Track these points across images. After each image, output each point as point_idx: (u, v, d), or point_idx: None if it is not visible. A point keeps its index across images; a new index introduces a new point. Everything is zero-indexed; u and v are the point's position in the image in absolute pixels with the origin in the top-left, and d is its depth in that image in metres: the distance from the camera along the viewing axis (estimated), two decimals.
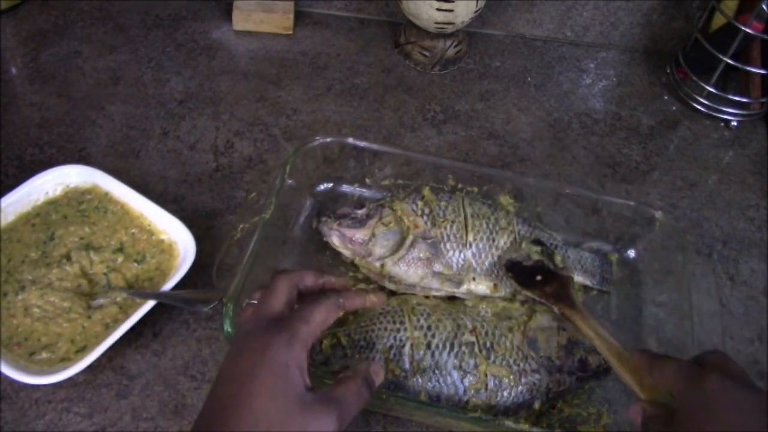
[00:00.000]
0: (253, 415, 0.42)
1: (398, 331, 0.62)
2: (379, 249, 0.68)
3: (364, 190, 0.77)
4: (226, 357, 0.47)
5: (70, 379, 0.57)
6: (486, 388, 0.60)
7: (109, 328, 0.61)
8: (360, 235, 0.69)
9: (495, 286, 0.69)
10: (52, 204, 0.69)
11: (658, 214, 0.72)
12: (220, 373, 0.46)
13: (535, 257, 0.69)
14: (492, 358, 0.61)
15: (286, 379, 0.43)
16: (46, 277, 0.63)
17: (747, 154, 0.91)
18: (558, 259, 0.70)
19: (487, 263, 0.69)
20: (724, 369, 0.49)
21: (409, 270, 0.68)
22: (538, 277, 0.67)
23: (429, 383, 0.60)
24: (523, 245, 0.70)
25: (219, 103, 0.87)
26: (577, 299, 0.65)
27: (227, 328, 0.57)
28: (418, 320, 0.63)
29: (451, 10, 0.87)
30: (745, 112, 0.93)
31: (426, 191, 0.72)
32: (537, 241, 0.70)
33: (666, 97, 0.96)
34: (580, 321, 0.63)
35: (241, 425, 0.42)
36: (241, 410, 0.42)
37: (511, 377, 0.61)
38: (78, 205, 0.69)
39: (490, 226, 0.70)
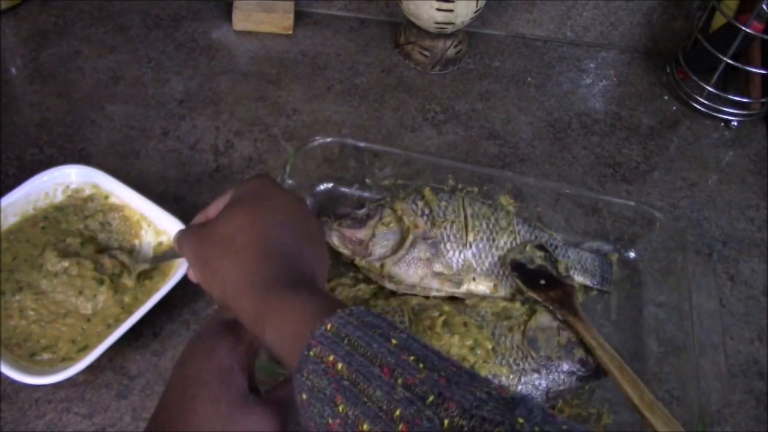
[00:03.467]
0: (196, 420, 0.43)
1: None
2: (379, 249, 0.68)
3: (364, 190, 0.77)
4: (177, 360, 0.48)
5: (70, 379, 0.57)
6: None
7: (110, 327, 0.61)
8: (360, 235, 0.69)
9: (495, 286, 0.69)
10: (60, 211, 0.69)
11: (658, 214, 0.72)
12: (171, 376, 0.47)
13: (539, 262, 0.69)
14: (492, 357, 0.62)
15: (228, 382, 0.44)
16: (38, 282, 0.63)
17: (747, 154, 0.91)
18: (561, 266, 0.70)
19: (487, 263, 0.69)
20: None
21: (409, 270, 0.68)
22: (542, 281, 0.67)
23: None
24: (528, 248, 0.70)
25: (219, 103, 0.87)
26: (579, 308, 0.65)
27: None
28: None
29: (451, 10, 0.87)
30: (745, 112, 0.93)
31: (426, 191, 0.72)
32: (541, 247, 0.70)
33: (666, 97, 0.96)
34: (582, 330, 0.63)
35: (185, 430, 0.43)
36: (186, 416, 0.44)
37: (511, 377, 0.61)
38: (82, 212, 0.69)
39: (490, 226, 0.70)
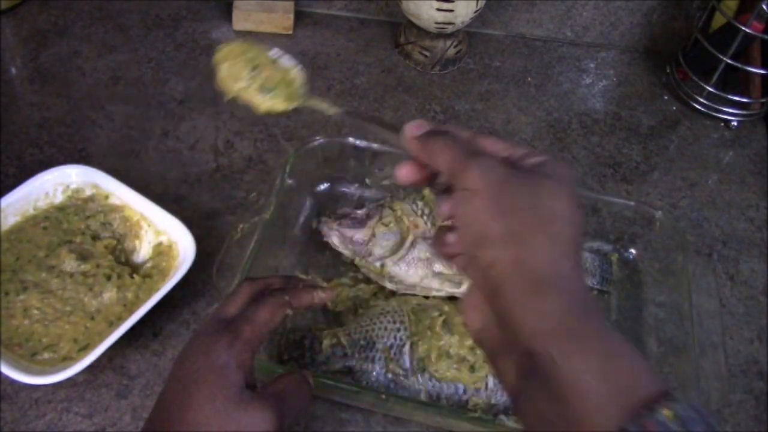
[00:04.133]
0: (193, 417, 0.44)
1: (398, 330, 0.62)
2: (379, 249, 0.68)
3: (364, 190, 0.77)
4: (177, 357, 0.48)
5: (70, 379, 0.57)
6: (486, 387, 0.60)
7: (112, 326, 0.61)
8: (360, 235, 0.69)
9: None
10: (61, 211, 0.69)
11: (658, 214, 0.72)
12: (169, 374, 0.48)
13: None
14: None
15: (225, 379, 0.45)
16: (48, 282, 0.63)
17: (747, 154, 0.91)
18: None
19: None
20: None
21: (410, 270, 0.67)
22: None
23: (429, 382, 0.60)
24: None
25: (219, 103, 0.87)
26: None
27: None
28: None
29: (451, 10, 0.87)
30: (745, 112, 0.93)
31: (426, 191, 0.72)
32: None
33: (666, 97, 0.96)
34: None
35: (182, 428, 0.44)
36: (183, 413, 0.44)
37: None
38: (83, 213, 0.69)
39: None
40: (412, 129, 0.41)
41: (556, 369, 0.32)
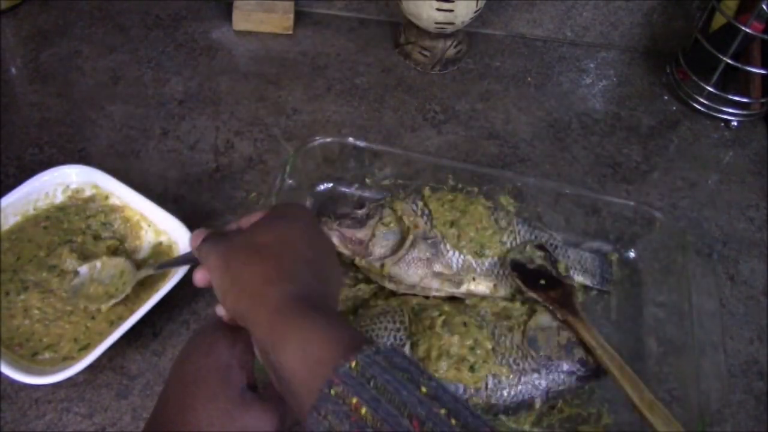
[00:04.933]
0: (194, 417, 0.44)
1: (398, 330, 0.62)
2: (379, 249, 0.68)
3: (364, 190, 0.77)
4: (177, 357, 0.48)
5: (70, 379, 0.57)
6: (486, 388, 0.60)
7: (113, 325, 0.61)
8: (360, 235, 0.69)
9: (495, 286, 0.69)
10: (61, 210, 0.69)
11: (658, 214, 0.72)
12: (170, 373, 0.48)
13: (539, 262, 0.69)
14: (492, 357, 0.62)
15: (227, 380, 0.45)
16: (49, 282, 0.63)
17: (747, 154, 0.91)
18: (561, 266, 0.70)
19: (487, 263, 0.69)
20: None
21: (409, 270, 0.68)
22: (542, 281, 0.67)
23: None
24: (527, 249, 0.70)
25: (219, 103, 0.87)
26: (579, 308, 0.65)
27: None
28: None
29: (451, 10, 0.87)
30: (745, 112, 0.93)
31: (426, 191, 0.72)
32: (541, 247, 0.70)
33: (666, 97, 0.96)
34: (582, 330, 0.63)
35: (183, 428, 0.44)
36: (184, 412, 0.44)
37: (511, 376, 0.61)
38: (84, 213, 0.69)
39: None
40: (193, 239, 0.49)
41: (275, 359, 0.39)
